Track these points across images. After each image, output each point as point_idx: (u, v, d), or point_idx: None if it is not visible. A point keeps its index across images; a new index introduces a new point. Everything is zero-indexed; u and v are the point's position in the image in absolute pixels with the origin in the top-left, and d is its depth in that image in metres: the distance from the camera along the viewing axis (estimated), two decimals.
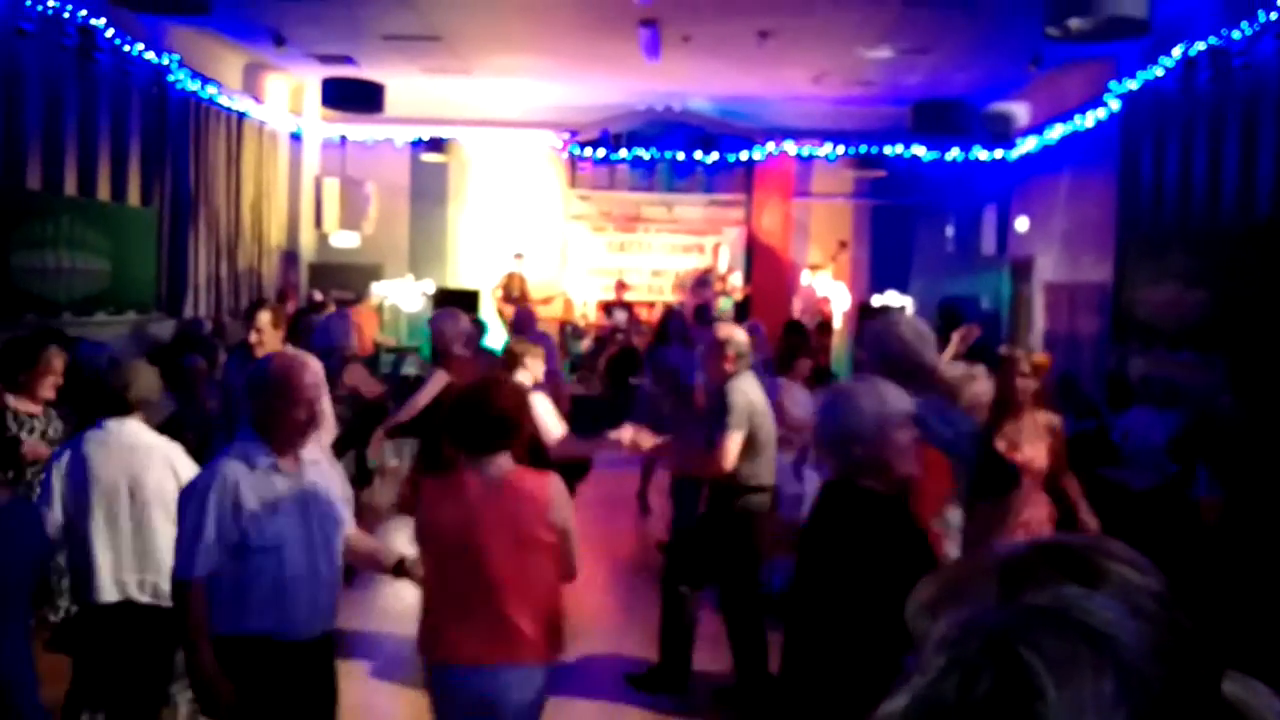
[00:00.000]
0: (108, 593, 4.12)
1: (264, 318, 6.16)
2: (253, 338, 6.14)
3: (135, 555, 4.14)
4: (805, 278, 14.61)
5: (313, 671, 3.41)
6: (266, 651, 3.26)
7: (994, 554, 0.85)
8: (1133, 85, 10.02)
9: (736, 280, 14.45)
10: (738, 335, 5.44)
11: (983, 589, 0.83)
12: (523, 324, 9.27)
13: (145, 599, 4.16)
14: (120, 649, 4.14)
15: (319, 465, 3.50)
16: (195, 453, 4.50)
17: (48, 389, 4.98)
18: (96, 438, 4.17)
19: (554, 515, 3.35)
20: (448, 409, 3.69)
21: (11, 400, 4.92)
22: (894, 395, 2.89)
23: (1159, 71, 9.41)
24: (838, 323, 13.92)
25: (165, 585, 3.95)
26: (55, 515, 4.11)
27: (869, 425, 2.80)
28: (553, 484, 3.42)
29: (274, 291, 13.03)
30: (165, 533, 3.99)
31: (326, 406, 5.23)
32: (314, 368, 3.42)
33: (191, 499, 3.26)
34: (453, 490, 3.37)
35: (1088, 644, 0.80)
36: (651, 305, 14.52)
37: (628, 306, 14.42)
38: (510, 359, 5.91)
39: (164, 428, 4.60)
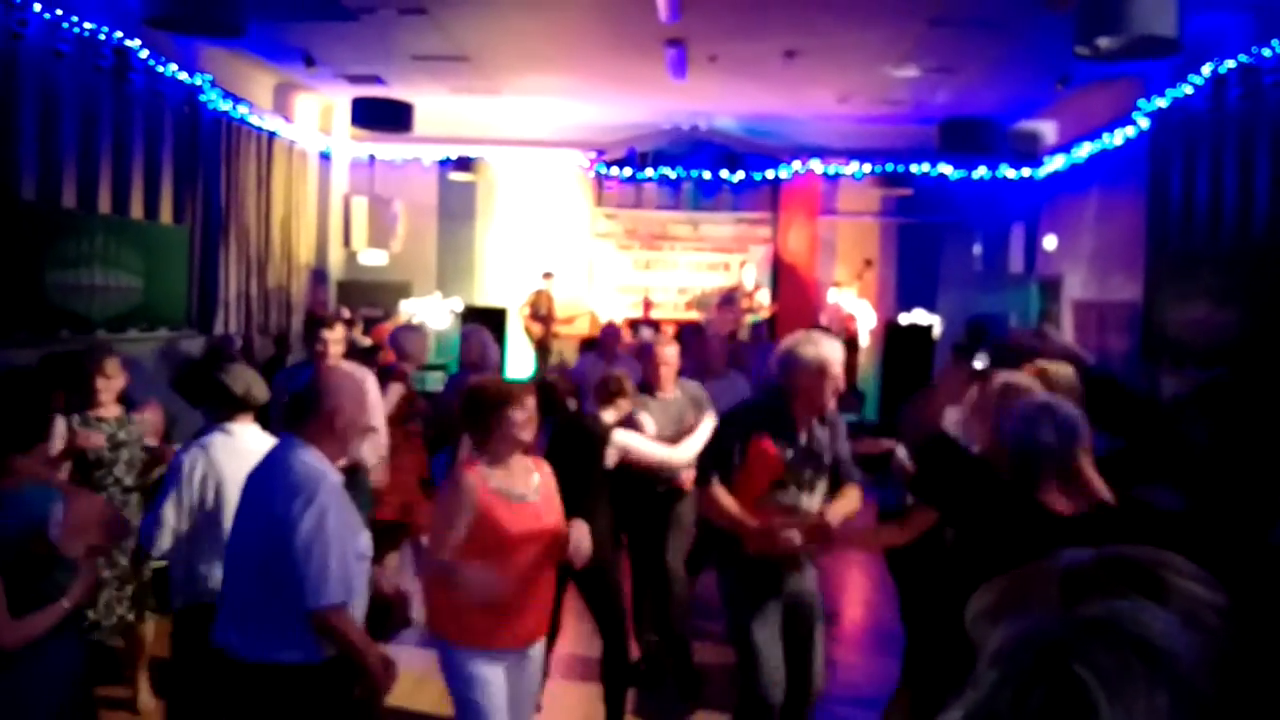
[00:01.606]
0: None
1: (336, 332, 6.00)
2: (321, 348, 6.04)
3: None
4: (831, 295, 14.59)
5: (337, 688, 3.32)
6: (299, 679, 3.19)
7: (1057, 563, 0.85)
8: (1162, 103, 9.97)
9: (763, 298, 14.45)
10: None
11: (1044, 598, 0.83)
12: (608, 342, 8.49)
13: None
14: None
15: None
16: None
17: (108, 395, 5.08)
18: (222, 440, 4.13)
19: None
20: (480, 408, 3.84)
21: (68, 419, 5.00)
22: (1075, 414, 2.95)
23: (1188, 90, 9.37)
24: (864, 340, 13.89)
25: None
26: (167, 516, 4.01)
27: (1059, 442, 2.88)
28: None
29: (303, 309, 13.13)
30: None
31: (379, 421, 5.26)
32: (362, 381, 3.63)
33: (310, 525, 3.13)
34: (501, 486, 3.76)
35: (1141, 658, 0.79)
36: (678, 323, 14.54)
37: (654, 324, 14.43)
38: (604, 394, 5.50)
39: None
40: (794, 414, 4.23)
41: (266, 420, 4.41)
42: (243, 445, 4.08)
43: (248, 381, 4.24)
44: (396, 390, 6.54)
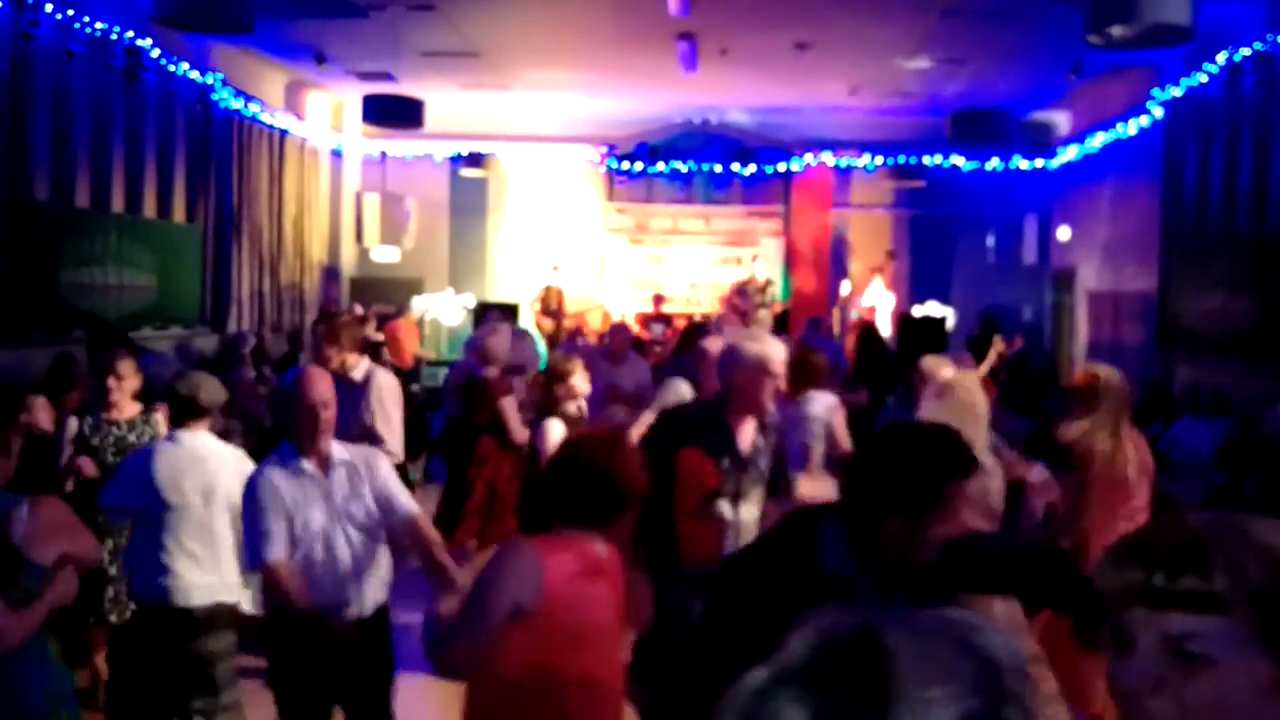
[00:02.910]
0: (180, 597, 4.16)
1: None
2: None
3: (209, 561, 4.22)
4: (845, 288, 14.54)
5: (360, 645, 3.71)
6: (311, 624, 3.58)
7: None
8: (1176, 92, 9.90)
9: (775, 292, 14.40)
10: None
11: None
12: (616, 343, 8.17)
13: (222, 599, 4.25)
14: (179, 654, 4.19)
15: (349, 464, 3.74)
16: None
17: (124, 395, 5.03)
18: (167, 451, 4.25)
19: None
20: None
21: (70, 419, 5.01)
22: None
23: (1202, 78, 9.30)
24: (885, 332, 13.83)
25: (233, 579, 4.31)
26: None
27: None
28: None
29: (316, 306, 13.15)
30: (228, 535, 4.27)
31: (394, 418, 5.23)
32: (325, 380, 3.76)
33: (245, 497, 3.68)
34: (587, 560, 2.78)
35: (950, 642, 0.82)
36: (690, 317, 14.52)
37: (666, 319, 14.42)
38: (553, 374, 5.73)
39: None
40: (729, 420, 3.90)
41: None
42: (190, 453, 4.24)
43: (196, 385, 4.36)
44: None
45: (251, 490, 3.64)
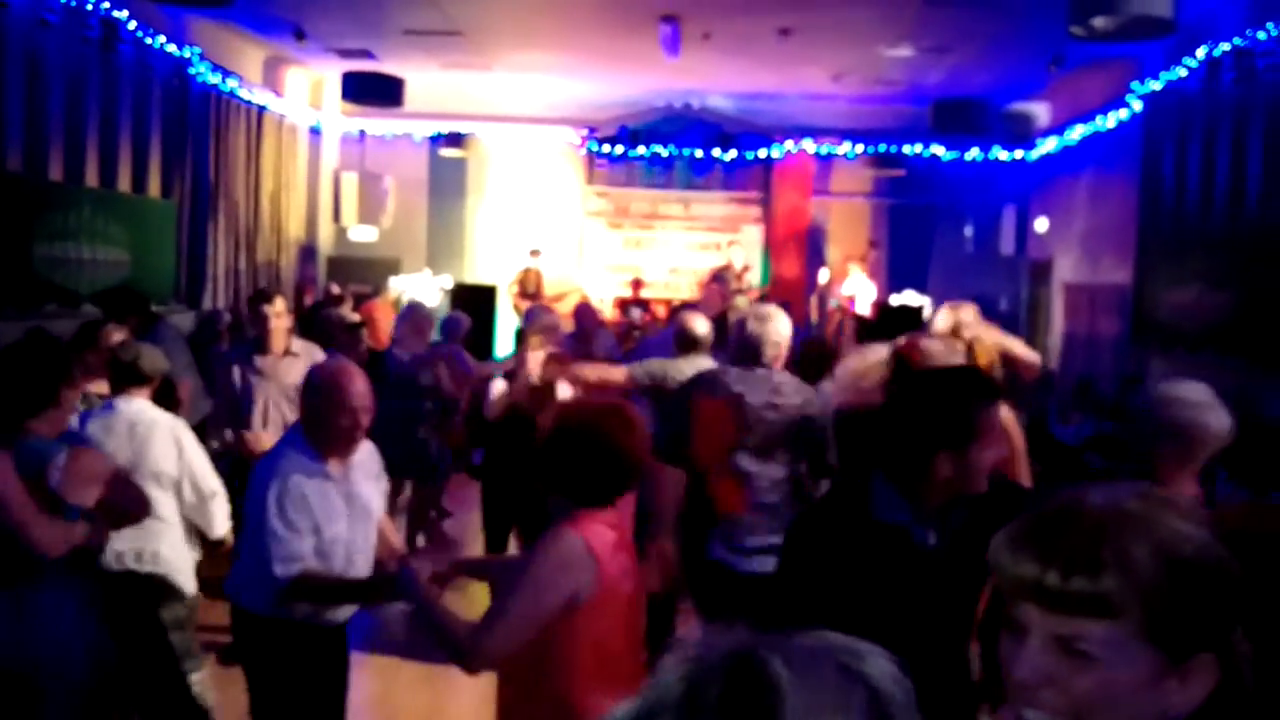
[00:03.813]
0: (108, 563, 4.12)
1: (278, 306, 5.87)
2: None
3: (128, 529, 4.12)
4: (824, 276, 14.57)
5: (333, 656, 3.57)
6: (306, 637, 3.43)
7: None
8: (1155, 86, 9.95)
9: (753, 278, 14.41)
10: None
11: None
12: (583, 318, 8.46)
13: (145, 569, 4.23)
14: (128, 621, 4.16)
15: (363, 464, 3.55)
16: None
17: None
18: (100, 417, 4.25)
19: None
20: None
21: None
22: None
23: (1182, 72, 9.34)
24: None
25: (165, 551, 4.25)
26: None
27: None
28: None
29: (292, 284, 13.07)
30: (164, 504, 4.20)
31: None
32: (364, 378, 3.46)
33: (270, 508, 3.31)
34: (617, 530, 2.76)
35: (838, 667, 0.79)
36: (668, 303, 14.50)
37: (644, 304, 14.41)
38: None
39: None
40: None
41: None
42: (122, 421, 4.23)
43: (136, 352, 4.39)
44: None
45: (280, 503, 3.28)
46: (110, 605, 4.13)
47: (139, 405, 4.30)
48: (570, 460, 2.64)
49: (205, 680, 4.39)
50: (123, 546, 4.14)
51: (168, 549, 4.27)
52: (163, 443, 4.24)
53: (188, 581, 4.37)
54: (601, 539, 2.61)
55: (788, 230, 15.11)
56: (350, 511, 3.42)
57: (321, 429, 3.36)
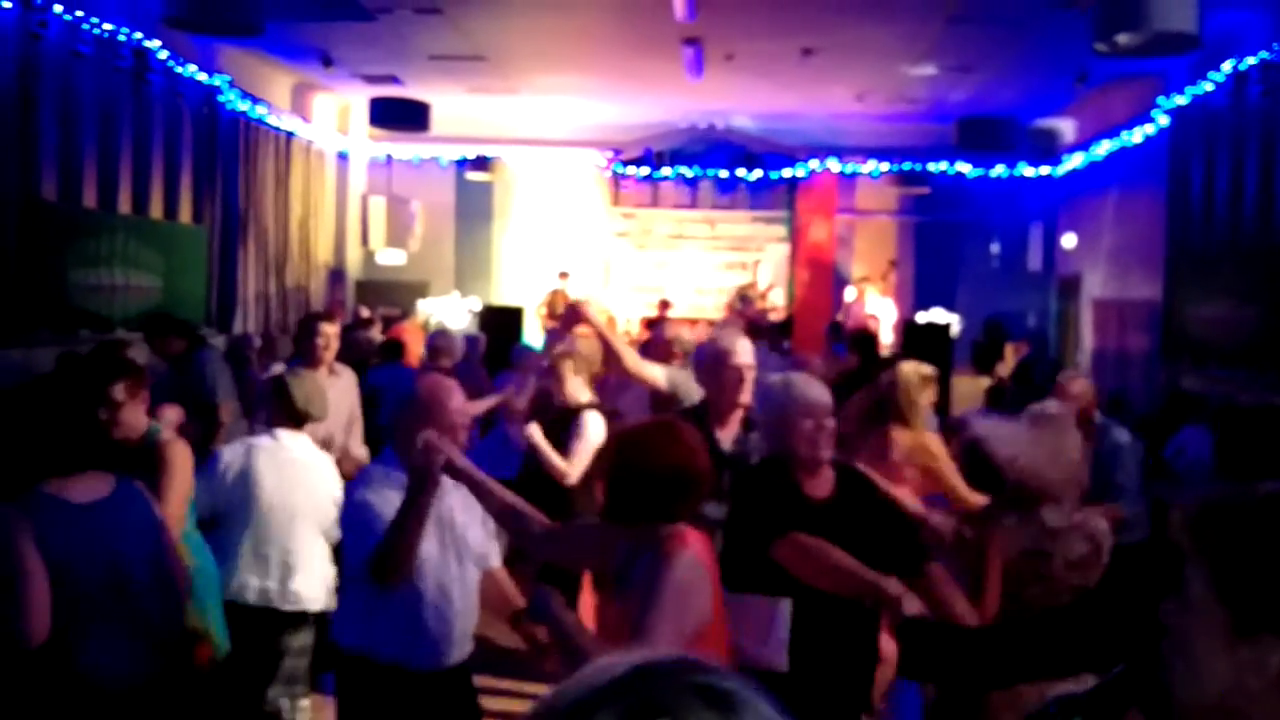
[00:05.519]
0: (251, 595, 4.13)
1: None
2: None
3: (280, 565, 4.17)
4: (849, 294, 14.54)
5: (444, 702, 3.31)
6: (394, 680, 3.20)
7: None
8: (1181, 101, 9.90)
9: (777, 297, 14.40)
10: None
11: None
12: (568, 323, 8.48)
13: (287, 607, 4.19)
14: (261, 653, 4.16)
15: (461, 490, 3.20)
16: None
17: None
18: (267, 448, 4.24)
19: None
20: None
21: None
22: None
23: (1208, 87, 9.30)
24: (886, 340, 13.81)
25: (309, 591, 4.18)
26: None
27: None
28: None
29: (321, 308, 13.16)
30: (315, 544, 4.22)
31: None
32: (460, 394, 3.38)
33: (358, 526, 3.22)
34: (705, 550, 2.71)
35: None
36: (694, 323, 14.50)
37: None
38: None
39: None
40: (709, 422, 3.96)
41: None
42: (287, 455, 4.26)
43: (306, 391, 4.39)
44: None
45: (368, 520, 3.14)
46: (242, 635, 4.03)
47: (303, 441, 4.34)
48: (654, 481, 2.62)
49: (307, 707, 4.32)
50: (270, 585, 4.14)
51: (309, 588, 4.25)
52: (320, 482, 4.28)
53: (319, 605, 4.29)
54: (709, 560, 2.65)
55: (813, 249, 15.10)
56: (440, 535, 3.22)
57: (411, 442, 3.13)
